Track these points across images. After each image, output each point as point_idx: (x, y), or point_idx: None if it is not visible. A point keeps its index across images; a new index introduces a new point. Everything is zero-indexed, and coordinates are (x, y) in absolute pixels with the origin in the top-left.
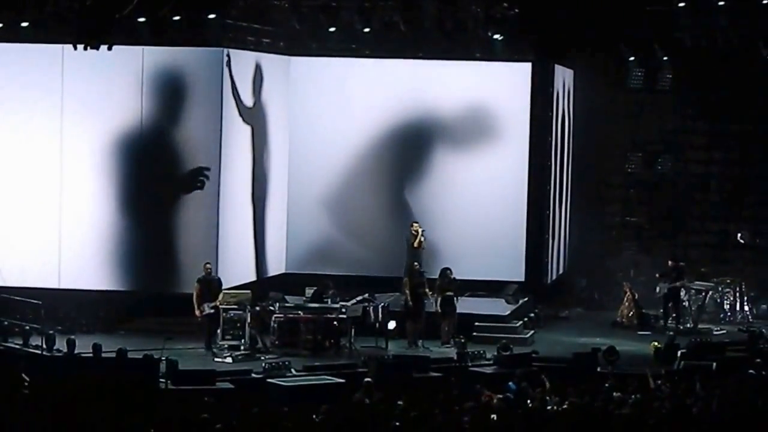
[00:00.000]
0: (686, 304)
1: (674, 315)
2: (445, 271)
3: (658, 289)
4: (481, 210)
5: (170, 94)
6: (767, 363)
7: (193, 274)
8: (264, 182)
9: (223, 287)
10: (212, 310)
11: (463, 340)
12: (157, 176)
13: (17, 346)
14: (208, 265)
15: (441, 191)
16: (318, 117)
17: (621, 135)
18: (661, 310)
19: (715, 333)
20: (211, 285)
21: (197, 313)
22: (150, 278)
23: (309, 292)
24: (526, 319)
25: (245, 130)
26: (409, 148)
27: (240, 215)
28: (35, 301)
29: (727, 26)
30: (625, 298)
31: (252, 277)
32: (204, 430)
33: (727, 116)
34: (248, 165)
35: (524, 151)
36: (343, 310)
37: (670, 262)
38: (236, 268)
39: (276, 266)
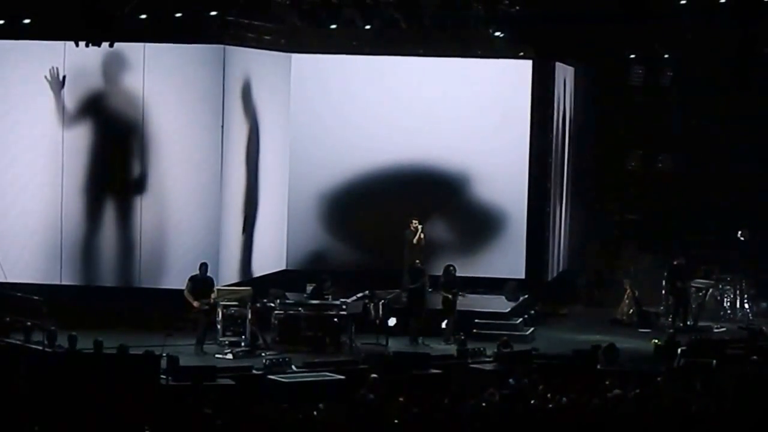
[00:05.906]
0: None
1: (675, 312)
2: (448, 268)
3: (679, 284)
4: (481, 207)
5: (171, 91)
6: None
7: (195, 271)
8: (263, 178)
9: (225, 285)
10: (206, 307)
11: (463, 337)
12: (158, 173)
13: (19, 343)
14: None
15: (440, 187)
16: (319, 114)
17: (621, 133)
18: (661, 308)
19: (715, 331)
20: (204, 284)
21: (195, 305)
22: (152, 275)
23: (309, 288)
24: (526, 316)
25: (245, 127)
26: (410, 145)
27: (240, 212)
28: (36, 298)
29: (727, 24)
30: (626, 296)
31: (252, 274)
32: (205, 426)
33: (727, 114)
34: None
35: (524, 149)
36: (344, 306)
37: (678, 260)
38: (238, 265)
39: (276, 263)
